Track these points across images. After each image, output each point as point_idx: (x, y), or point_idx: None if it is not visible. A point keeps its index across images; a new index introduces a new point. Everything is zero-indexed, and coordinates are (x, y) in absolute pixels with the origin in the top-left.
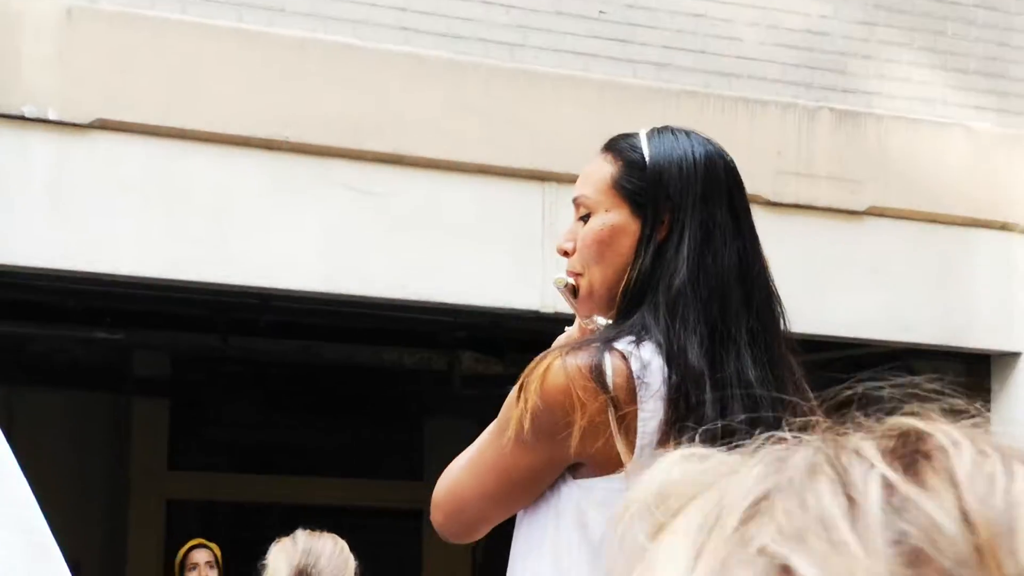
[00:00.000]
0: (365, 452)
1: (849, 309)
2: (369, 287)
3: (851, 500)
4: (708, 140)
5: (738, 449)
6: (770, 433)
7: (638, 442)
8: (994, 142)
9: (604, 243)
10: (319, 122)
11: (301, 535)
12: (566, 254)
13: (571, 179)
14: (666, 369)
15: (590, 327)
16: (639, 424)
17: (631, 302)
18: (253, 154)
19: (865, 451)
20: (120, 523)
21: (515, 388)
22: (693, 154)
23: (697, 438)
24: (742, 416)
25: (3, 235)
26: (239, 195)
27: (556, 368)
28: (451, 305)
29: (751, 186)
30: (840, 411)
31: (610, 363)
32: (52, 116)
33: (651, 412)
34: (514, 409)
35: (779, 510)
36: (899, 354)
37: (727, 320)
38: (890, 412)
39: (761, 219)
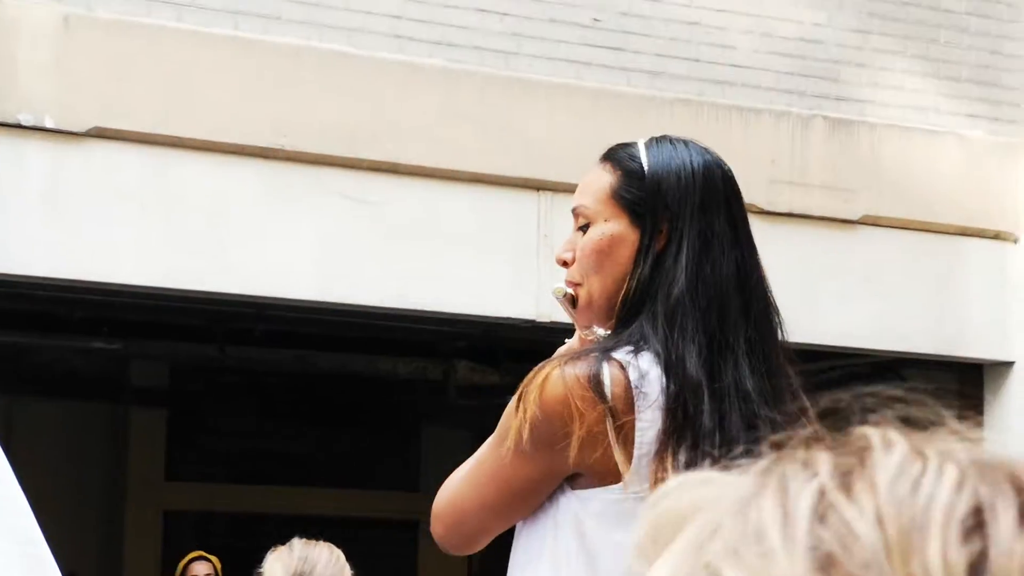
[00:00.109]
0: (361, 462)
1: (842, 318)
2: (364, 296)
3: (785, 511)
4: (706, 150)
5: (739, 468)
6: (769, 448)
7: (636, 452)
8: (987, 150)
9: (603, 253)
10: (314, 130)
11: (297, 543)
12: (565, 264)
13: (566, 187)
14: (664, 379)
15: (590, 338)
16: (637, 434)
17: (630, 312)
18: (249, 162)
19: (815, 462)
20: (117, 533)
21: (514, 398)
22: (691, 164)
23: (696, 450)
24: (740, 426)
25: None
26: (235, 203)
27: (554, 378)
28: (446, 314)
29: (744, 195)
30: (835, 421)
31: (608, 373)
32: (49, 124)
33: (649, 422)
34: (513, 419)
35: (727, 525)
36: (892, 363)
37: (725, 330)
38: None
39: (754, 228)
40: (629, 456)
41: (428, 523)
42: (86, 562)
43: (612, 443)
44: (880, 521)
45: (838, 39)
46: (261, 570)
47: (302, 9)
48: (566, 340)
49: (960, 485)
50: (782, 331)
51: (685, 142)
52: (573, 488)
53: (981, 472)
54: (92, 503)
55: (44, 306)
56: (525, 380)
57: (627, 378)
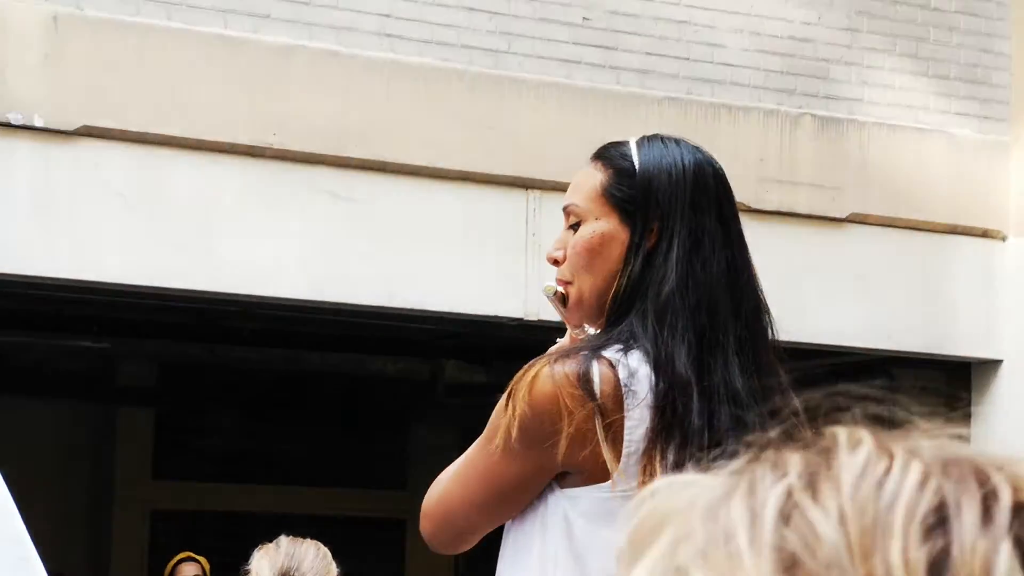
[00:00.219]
0: (349, 461)
1: (830, 316)
2: (353, 295)
3: (753, 512)
4: (698, 148)
5: (718, 470)
6: (752, 449)
7: (624, 450)
8: (976, 149)
9: (594, 251)
10: (303, 129)
11: (284, 541)
12: (556, 262)
13: (555, 186)
14: (653, 377)
15: (581, 338)
16: (626, 432)
17: (620, 310)
18: (237, 161)
19: (785, 463)
20: (104, 533)
21: (503, 396)
22: (683, 162)
23: (685, 448)
24: (729, 425)
25: None
26: (224, 202)
27: (544, 376)
28: (435, 313)
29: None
30: (823, 420)
31: (597, 371)
32: (38, 123)
33: (638, 420)
34: (502, 417)
35: (699, 527)
36: (880, 362)
37: (715, 328)
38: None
39: (743, 226)
40: (618, 454)
41: (416, 522)
42: (73, 562)
43: (601, 441)
44: (843, 521)
45: (827, 38)
46: (248, 567)
47: (291, 8)
48: (557, 339)
49: (924, 483)
50: (772, 330)
51: (676, 141)
52: (562, 487)
53: (946, 469)
54: (79, 502)
55: (32, 305)
56: (515, 378)
57: (616, 376)
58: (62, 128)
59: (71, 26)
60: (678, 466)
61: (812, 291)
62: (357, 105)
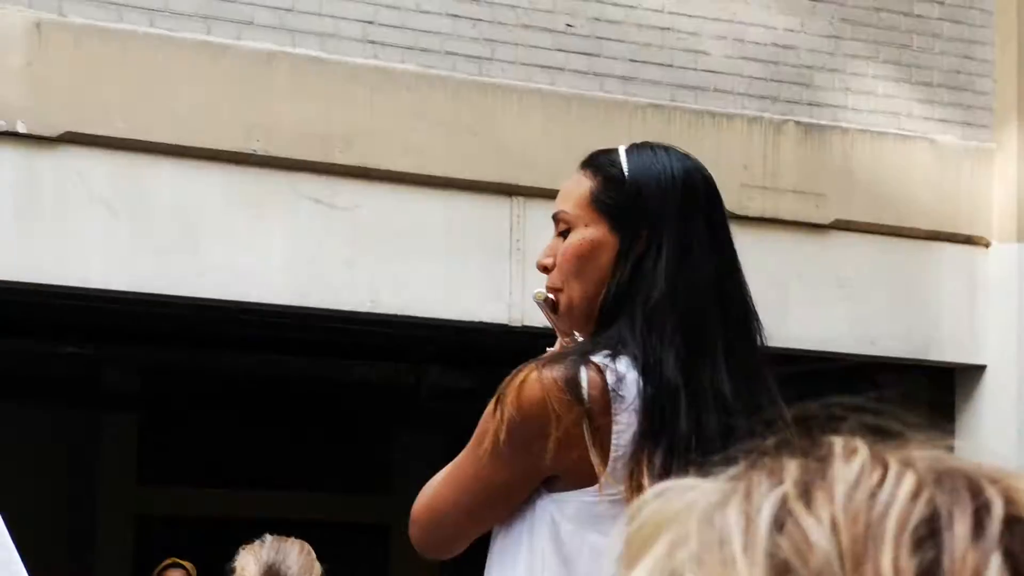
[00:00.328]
0: (334, 466)
1: (814, 323)
2: (337, 300)
3: (748, 519)
4: (687, 156)
5: (717, 475)
6: (747, 455)
7: (612, 454)
8: (959, 155)
9: (583, 258)
10: (286, 135)
11: (269, 538)
12: (545, 269)
13: (539, 192)
14: (641, 382)
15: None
16: (613, 437)
17: (609, 316)
18: (221, 167)
19: (782, 471)
20: (89, 539)
21: (492, 401)
22: (671, 169)
23: (673, 453)
24: (716, 430)
25: None
26: (207, 208)
27: (532, 380)
28: (419, 319)
29: None
30: (806, 429)
31: (585, 375)
32: (21, 129)
33: (625, 424)
34: (491, 421)
35: (695, 532)
36: (864, 368)
37: (704, 334)
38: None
39: None
40: (605, 459)
41: (400, 527)
42: (57, 568)
43: (588, 445)
44: (835, 529)
45: (810, 45)
46: (233, 565)
47: (274, 14)
48: (548, 349)
49: (917, 493)
50: (761, 336)
51: (665, 148)
52: (549, 491)
53: (940, 481)
54: (63, 508)
55: (15, 310)
56: (503, 382)
57: (604, 381)
58: (45, 134)
59: (54, 32)
60: (665, 471)
61: (796, 297)
62: (340, 111)
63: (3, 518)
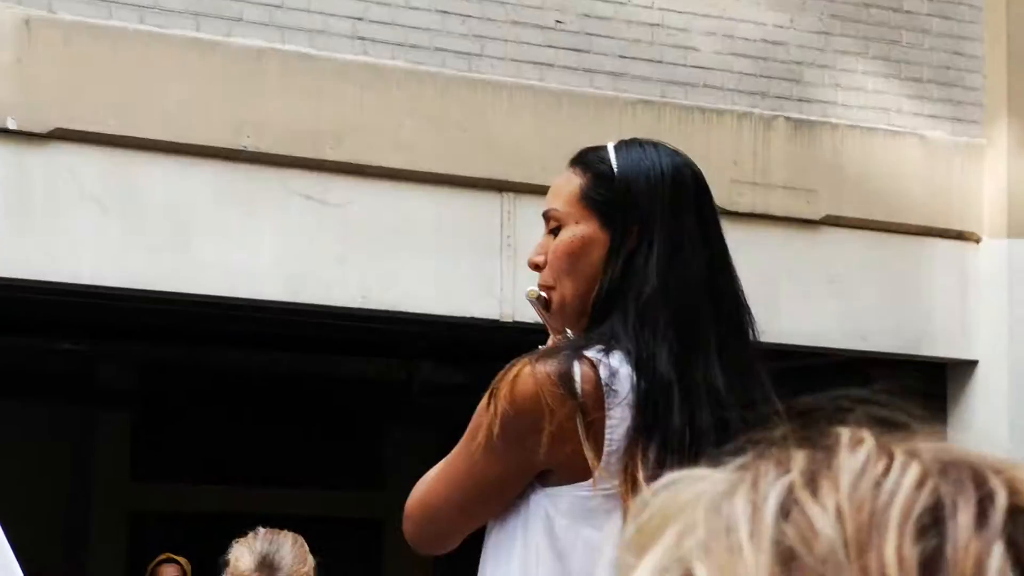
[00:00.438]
0: (326, 462)
1: (805, 318)
2: (328, 297)
3: (755, 507)
4: (676, 151)
5: (728, 465)
6: (752, 446)
7: (605, 449)
8: (949, 151)
9: (574, 255)
10: (277, 132)
11: (262, 531)
12: (537, 267)
13: (529, 188)
14: (635, 377)
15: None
16: (607, 431)
17: (601, 312)
18: (211, 164)
19: (788, 460)
20: (83, 535)
21: (486, 396)
22: (661, 165)
23: (666, 447)
24: (710, 424)
25: None
26: (198, 205)
27: (525, 374)
28: (410, 315)
29: None
30: (808, 422)
31: (579, 370)
32: (11, 125)
33: (619, 419)
34: (484, 416)
35: (703, 520)
36: (855, 363)
37: (696, 329)
38: (843, 422)
39: None
40: (599, 453)
41: (393, 522)
42: (52, 564)
43: (582, 440)
44: (840, 517)
45: (800, 40)
46: (227, 557)
47: (264, 11)
48: (540, 347)
49: (921, 483)
50: (753, 330)
51: (655, 144)
52: (543, 486)
53: (944, 470)
54: (58, 505)
55: (7, 307)
56: (497, 377)
57: (597, 375)
58: (35, 131)
59: (43, 29)
60: (659, 465)
61: (787, 293)
62: (331, 108)
63: None
